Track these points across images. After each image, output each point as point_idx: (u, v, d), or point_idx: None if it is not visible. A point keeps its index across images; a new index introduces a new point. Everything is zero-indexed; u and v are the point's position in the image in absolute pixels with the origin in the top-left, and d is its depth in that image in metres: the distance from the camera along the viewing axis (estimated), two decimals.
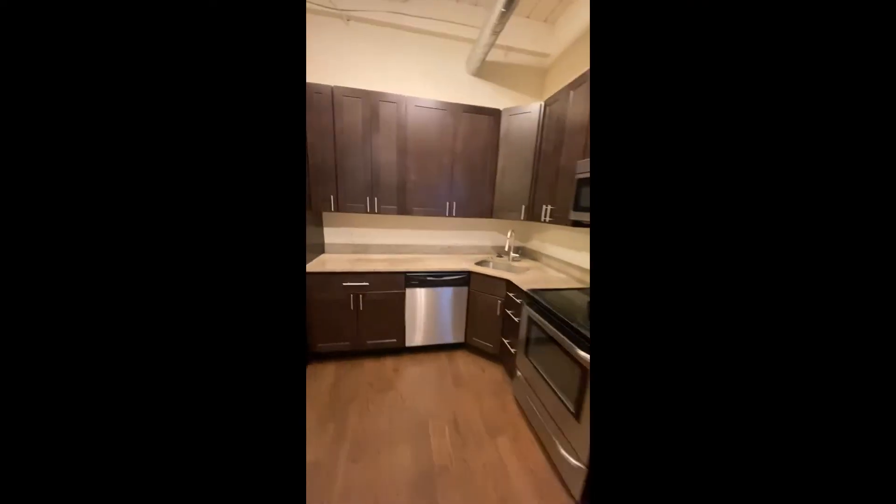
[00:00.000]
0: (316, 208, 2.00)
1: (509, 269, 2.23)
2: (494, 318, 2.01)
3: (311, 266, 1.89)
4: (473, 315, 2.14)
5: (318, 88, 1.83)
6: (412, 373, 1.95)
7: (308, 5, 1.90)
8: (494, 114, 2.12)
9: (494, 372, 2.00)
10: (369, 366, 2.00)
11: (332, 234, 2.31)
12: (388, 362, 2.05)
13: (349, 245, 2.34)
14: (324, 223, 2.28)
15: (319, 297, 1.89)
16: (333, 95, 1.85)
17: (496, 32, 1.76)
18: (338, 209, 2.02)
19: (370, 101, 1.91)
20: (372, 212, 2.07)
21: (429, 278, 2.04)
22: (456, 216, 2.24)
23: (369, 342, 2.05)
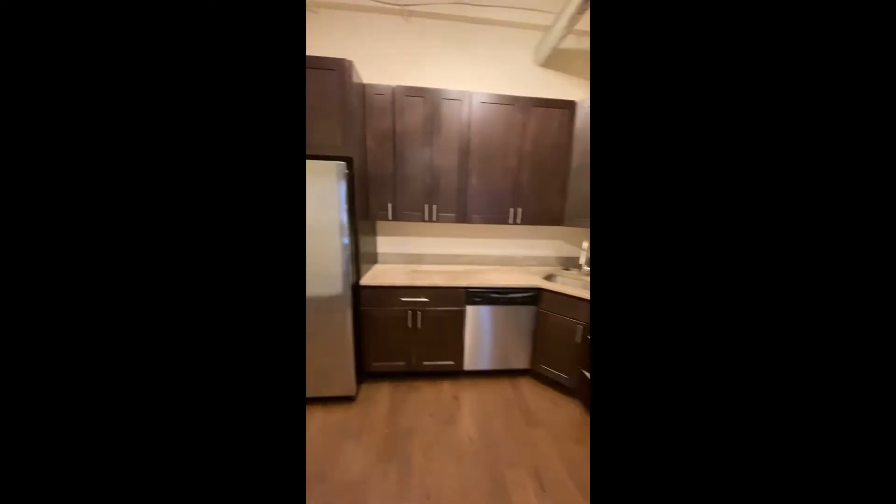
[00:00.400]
0: (372, 217, 1.87)
1: (586, 286, 1.92)
2: (571, 344, 1.72)
3: (366, 279, 1.76)
4: (543, 339, 1.86)
5: (379, 89, 1.70)
6: (474, 402, 1.72)
7: (369, 3, 1.80)
8: (568, 106, 1.85)
9: (570, 408, 1.70)
10: (426, 390, 1.81)
11: (385, 244, 2.18)
12: (446, 387, 1.85)
13: (402, 255, 2.20)
14: (378, 232, 2.16)
15: (375, 312, 1.75)
16: (394, 96, 1.72)
17: (582, 11, 1.50)
18: (395, 218, 1.88)
19: (432, 99, 1.75)
20: (430, 220, 1.90)
21: (492, 295, 1.82)
22: (520, 224, 1.99)
23: (426, 363, 1.86)
